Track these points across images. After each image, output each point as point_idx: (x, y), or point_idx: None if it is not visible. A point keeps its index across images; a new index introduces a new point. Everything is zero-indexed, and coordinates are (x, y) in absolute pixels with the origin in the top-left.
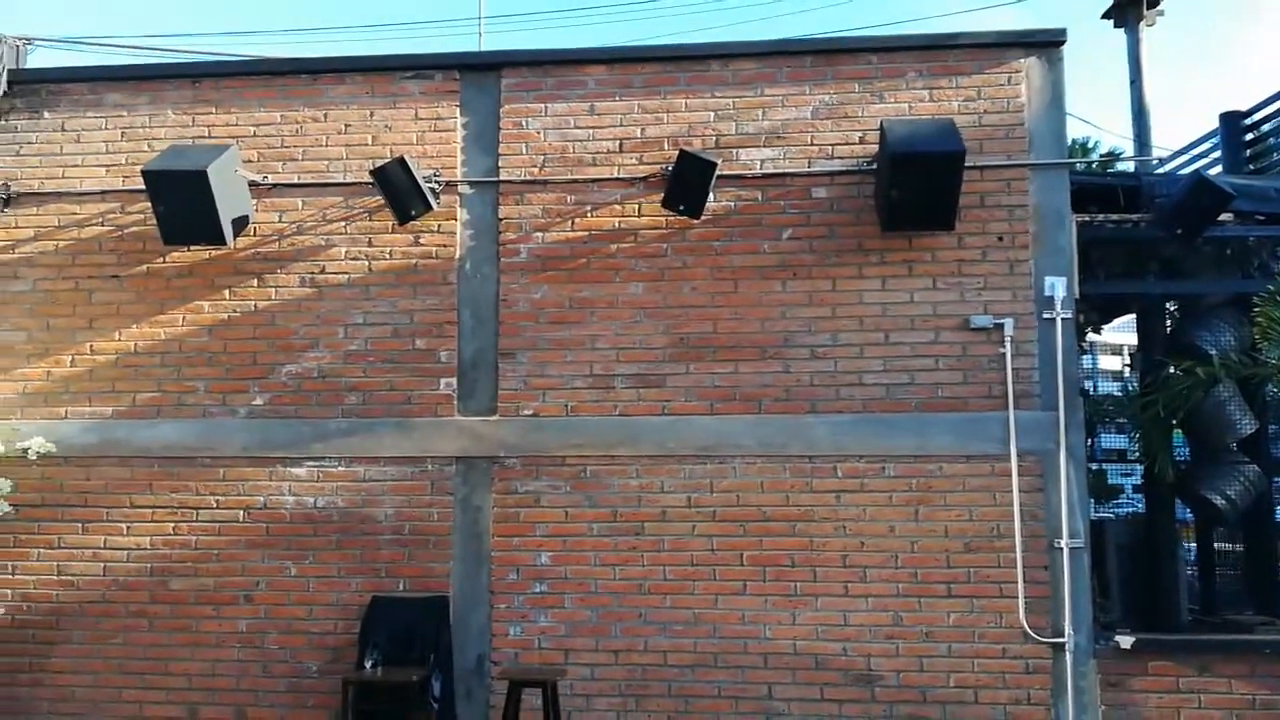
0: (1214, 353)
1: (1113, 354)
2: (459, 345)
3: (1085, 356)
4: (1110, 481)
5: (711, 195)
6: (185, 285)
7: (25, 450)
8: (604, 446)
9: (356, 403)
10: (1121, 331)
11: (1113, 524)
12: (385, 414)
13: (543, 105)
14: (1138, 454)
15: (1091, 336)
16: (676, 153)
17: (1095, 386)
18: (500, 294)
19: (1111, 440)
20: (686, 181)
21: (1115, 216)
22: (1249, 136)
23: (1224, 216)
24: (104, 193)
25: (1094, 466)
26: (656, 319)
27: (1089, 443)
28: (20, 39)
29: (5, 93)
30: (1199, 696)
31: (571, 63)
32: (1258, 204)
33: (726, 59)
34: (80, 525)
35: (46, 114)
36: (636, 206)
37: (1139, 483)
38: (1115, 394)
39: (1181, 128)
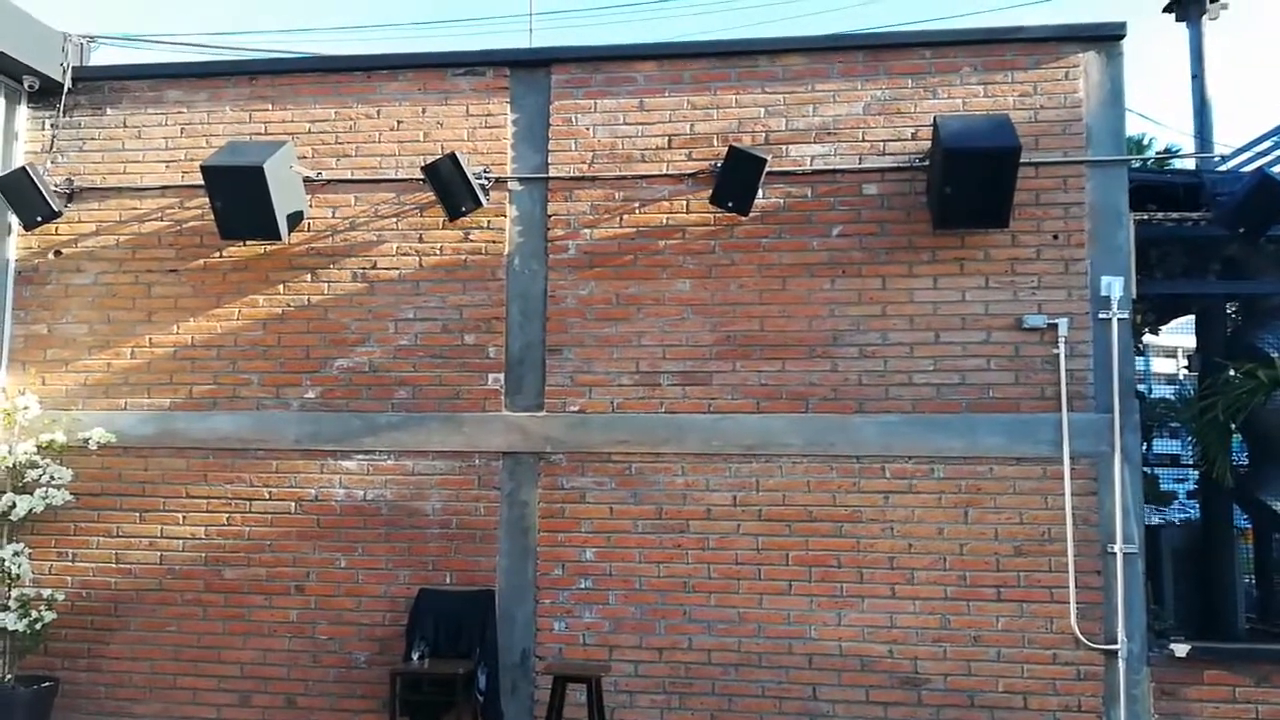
0: (1276, 355)
1: (1167, 357)
2: (507, 341)
3: (1139, 359)
4: (1163, 487)
5: (761, 192)
6: (241, 280)
7: (86, 440)
8: (650, 443)
9: (406, 397)
10: (1177, 334)
11: (1167, 530)
12: (434, 408)
13: (592, 101)
14: (1192, 459)
15: (1146, 339)
16: (726, 149)
17: (1149, 390)
18: (548, 290)
19: (1165, 445)
20: (735, 178)
21: (1175, 215)
22: None
23: None
24: (163, 188)
25: (1147, 471)
26: (703, 316)
27: (1142, 447)
28: (84, 37)
29: (69, 90)
30: (1256, 708)
31: (621, 59)
32: None
33: (776, 54)
34: (138, 514)
35: (109, 110)
36: (685, 203)
37: (1192, 489)
38: (1169, 398)
39: (1245, 125)
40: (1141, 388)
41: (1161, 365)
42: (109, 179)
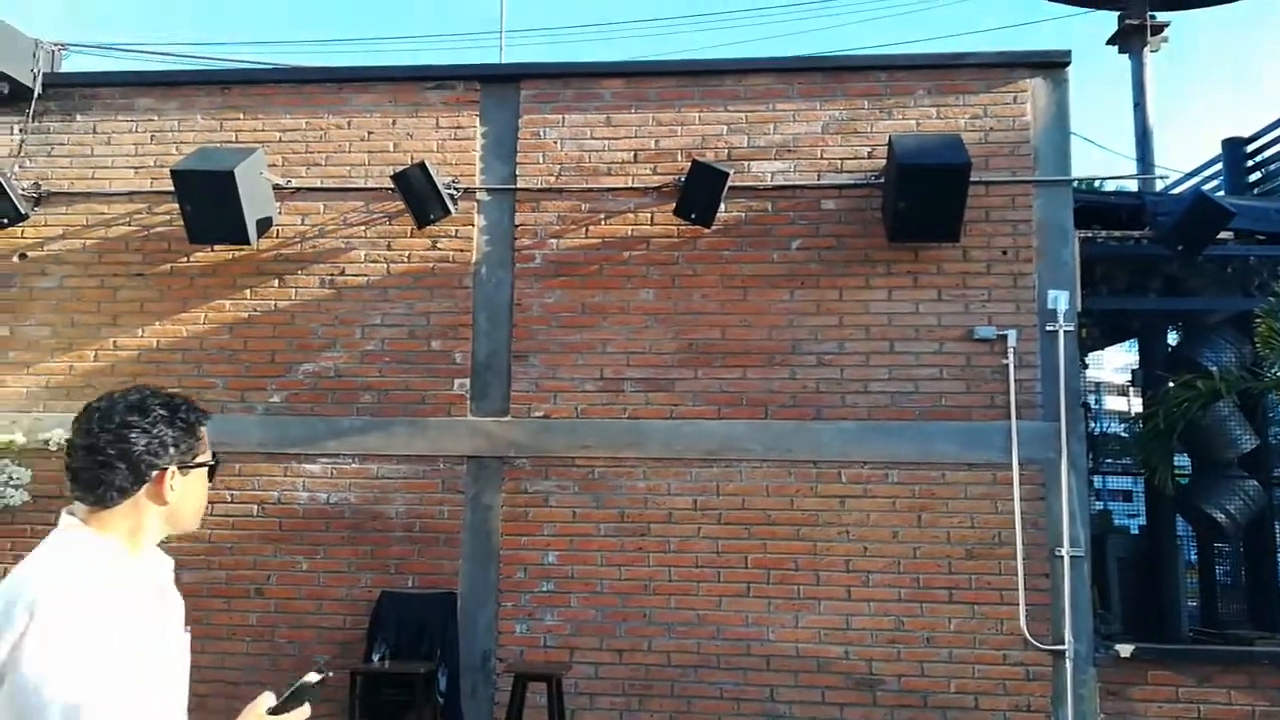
0: (1214, 369)
1: (1119, 395)
2: (473, 347)
3: (1091, 397)
4: (1117, 523)
5: (723, 205)
6: (208, 284)
7: (46, 441)
8: (612, 449)
9: (371, 401)
10: (1128, 372)
11: (1113, 537)
12: (399, 413)
13: (560, 116)
14: (1138, 467)
15: (1094, 375)
16: (689, 163)
17: (1102, 428)
18: (514, 298)
19: (1118, 482)
20: (699, 191)
21: (1118, 234)
22: (1251, 162)
23: (1224, 235)
24: (132, 193)
25: (1099, 505)
26: (666, 325)
27: (1092, 483)
28: (55, 44)
29: (40, 96)
30: (1198, 707)
31: (589, 75)
32: (1258, 223)
33: (740, 74)
34: None
35: (79, 117)
36: (649, 215)
37: (1145, 524)
38: (1122, 435)
39: (1183, 154)
40: (1094, 426)
41: (1114, 403)
42: (77, 184)
